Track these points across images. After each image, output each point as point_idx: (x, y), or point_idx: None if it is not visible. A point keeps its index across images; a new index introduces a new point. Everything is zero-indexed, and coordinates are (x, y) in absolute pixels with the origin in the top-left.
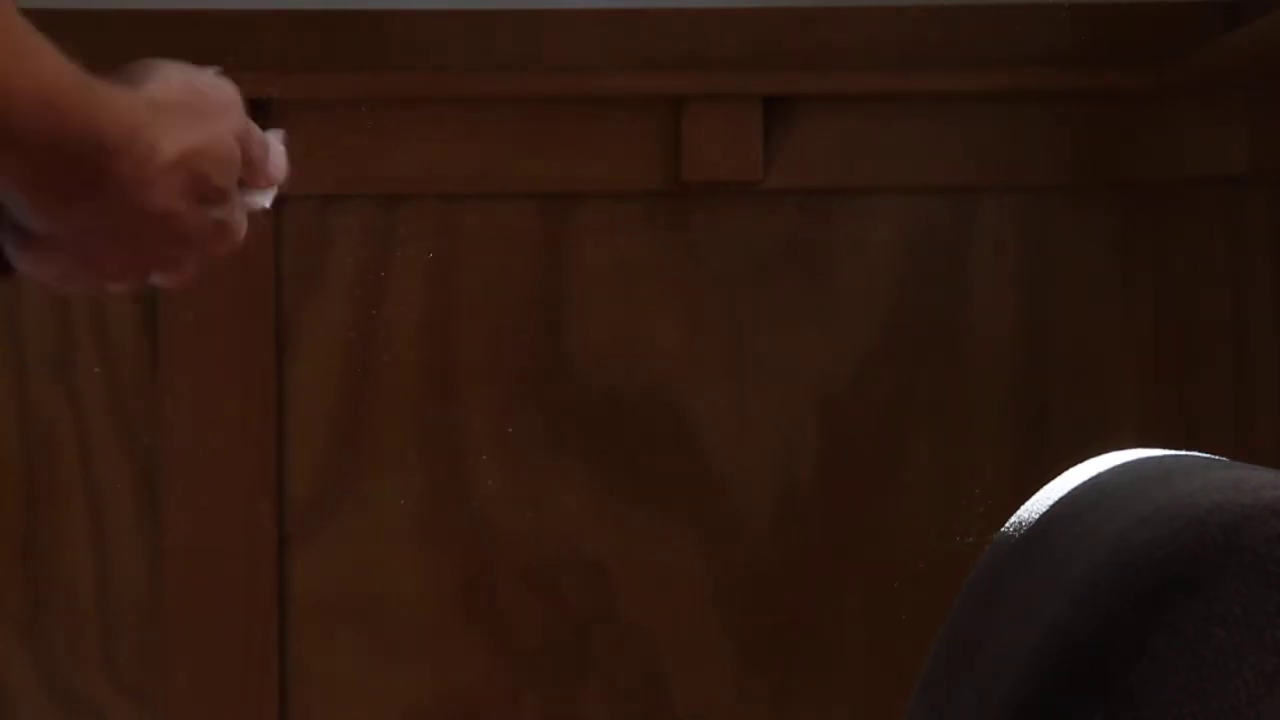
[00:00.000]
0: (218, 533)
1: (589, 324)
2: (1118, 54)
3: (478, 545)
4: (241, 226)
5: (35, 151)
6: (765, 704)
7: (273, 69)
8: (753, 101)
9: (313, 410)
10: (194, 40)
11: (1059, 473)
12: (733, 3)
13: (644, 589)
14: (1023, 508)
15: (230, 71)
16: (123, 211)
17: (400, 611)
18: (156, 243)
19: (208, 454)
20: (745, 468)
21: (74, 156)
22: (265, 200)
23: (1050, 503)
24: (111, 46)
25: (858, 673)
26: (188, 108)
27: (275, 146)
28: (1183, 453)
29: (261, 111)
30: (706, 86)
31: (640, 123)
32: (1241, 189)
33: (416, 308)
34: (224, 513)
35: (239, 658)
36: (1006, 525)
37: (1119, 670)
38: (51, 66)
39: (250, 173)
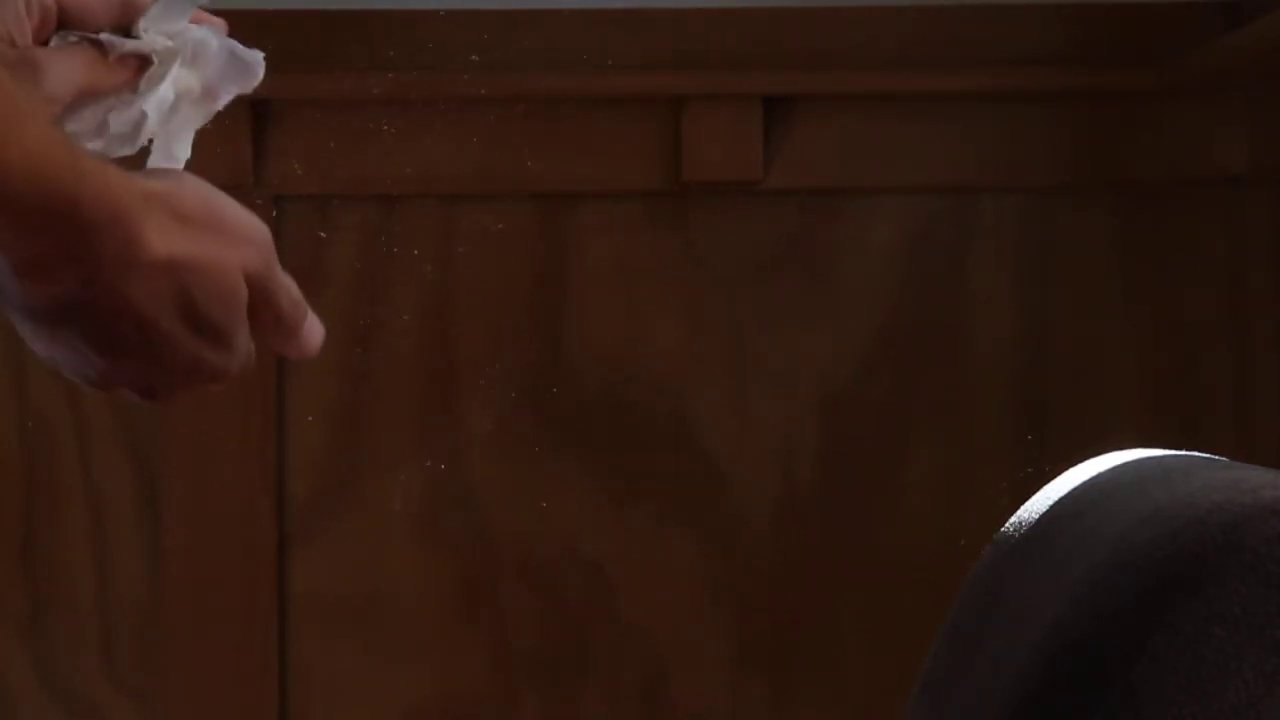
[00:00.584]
0: (218, 533)
1: (589, 324)
2: (1118, 54)
3: (478, 545)
4: (241, 369)
5: (15, 215)
6: (765, 704)
7: (273, 69)
8: (753, 101)
9: (313, 410)
10: None
11: (1059, 473)
12: (733, 3)
13: (644, 589)
14: (1023, 508)
15: None
16: (102, 299)
17: (400, 611)
18: (135, 354)
19: (208, 454)
20: (745, 468)
21: (54, 224)
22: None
23: (1050, 503)
24: None
25: (857, 673)
26: (193, 221)
27: (314, 318)
28: (1183, 453)
29: (262, 111)
30: (706, 86)
31: (640, 123)
32: (1241, 189)
33: (416, 307)
34: (224, 513)
35: (239, 658)
36: (1006, 525)
37: (1119, 670)
38: (39, 130)
39: (279, 332)
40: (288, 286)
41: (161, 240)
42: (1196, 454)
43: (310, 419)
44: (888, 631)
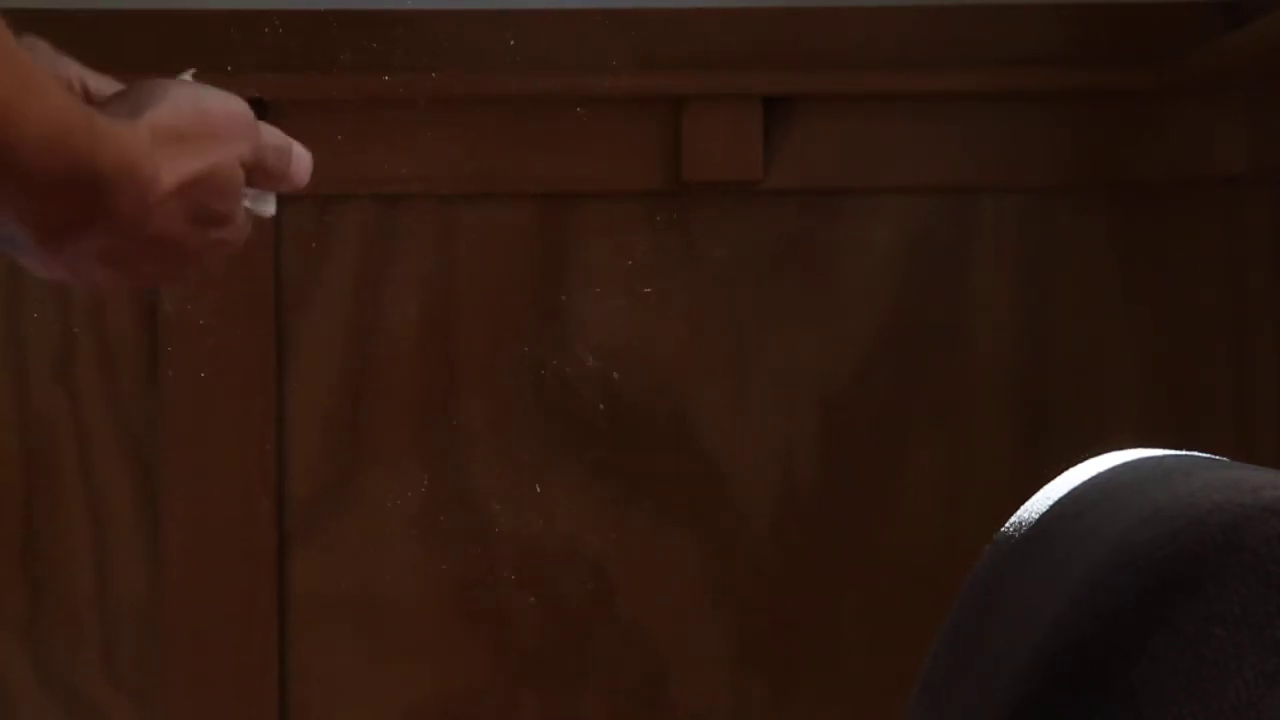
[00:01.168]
0: (218, 533)
1: (589, 324)
2: (1118, 54)
3: (478, 545)
4: (243, 237)
5: (37, 186)
6: (765, 704)
7: (273, 69)
8: (753, 101)
9: (313, 410)
10: (194, 40)
11: (1059, 473)
12: (733, 3)
13: (644, 589)
14: (1023, 508)
15: (230, 71)
16: (120, 240)
17: (400, 611)
18: (152, 261)
19: (208, 454)
20: (745, 468)
21: (75, 191)
22: (269, 205)
23: (1050, 503)
24: (111, 46)
25: (857, 673)
26: (191, 135)
27: (299, 150)
28: (1183, 453)
29: (261, 112)
30: (706, 86)
31: (640, 123)
32: (1241, 189)
33: (416, 307)
34: (224, 513)
35: (239, 658)
36: (1006, 525)
37: (1119, 670)
38: (56, 102)
39: (272, 182)
40: (271, 142)
41: (171, 171)
42: (1196, 454)
43: (310, 419)
44: (888, 631)
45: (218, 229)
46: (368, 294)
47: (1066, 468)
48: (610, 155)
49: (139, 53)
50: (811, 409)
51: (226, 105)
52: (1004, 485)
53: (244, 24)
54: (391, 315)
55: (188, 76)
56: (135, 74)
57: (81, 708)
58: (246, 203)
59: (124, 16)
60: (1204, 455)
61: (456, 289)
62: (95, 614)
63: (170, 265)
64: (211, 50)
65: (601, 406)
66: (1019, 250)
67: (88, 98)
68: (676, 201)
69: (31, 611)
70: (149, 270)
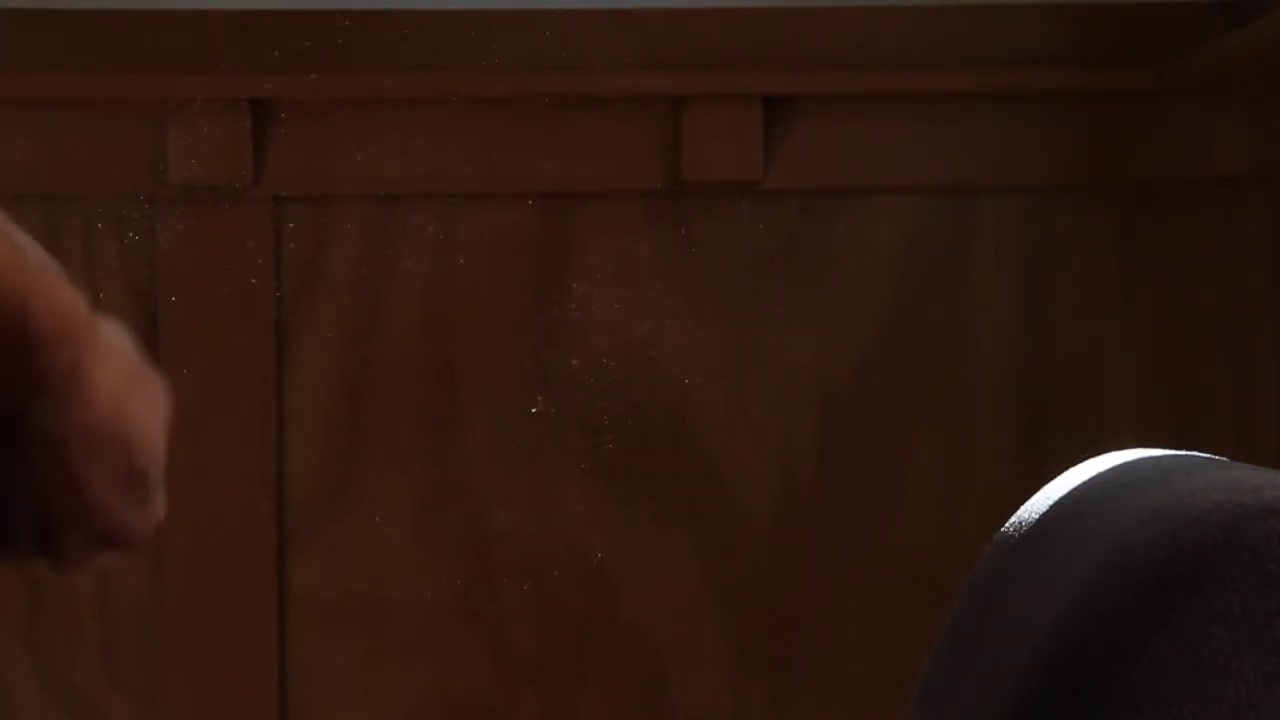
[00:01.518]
0: (218, 533)
1: (589, 324)
2: (1118, 54)
3: (478, 545)
4: (146, 536)
5: None
6: (764, 704)
7: (273, 69)
8: (753, 101)
9: (313, 410)
10: (195, 40)
11: (1059, 473)
12: (733, 3)
13: (644, 589)
14: (1023, 508)
15: (230, 71)
16: (41, 434)
17: (400, 612)
18: (67, 502)
19: (208, 454)
20: (745, 467)
21: (2, 337)
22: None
23: (1050, 503)
24: (111, 46)
25: (857, 673)
26: (132, 364)
27: (163, 496)
28: (1183, 453)
29: (262, 111)
30: (706, 86)
31: (640, 123)
32: (1241, 189)
33: (416, 307)
34: (224, 513)
35: (239, 658)
36: (1006, 525)
37: (1119, 670)
38: None
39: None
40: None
41: (105, 373)
42: (1196, 454)
43: (310, 419)
44: (888, 631)
45: (137, 499)
46: (368, 294)
47: (1066, 468)
48: (610, 155)
49: (139, 53)
50: (811, 409)
51: (157, 378)
52: (1004, 485)
53: (244, 24)
54: (391, 315)
55: None
56: (136, 74)
57: (81, 708)
58: None
59: (124, 16)
60: (1204, 455)
61: (456, 289)
62: (95, 614)
63: (84, 521)
64: (212, 50)
65: (601, 406)
66: (1019, 250)
67: None
68: (676, 201)
69: (31, 612)
70: (65, 525)
